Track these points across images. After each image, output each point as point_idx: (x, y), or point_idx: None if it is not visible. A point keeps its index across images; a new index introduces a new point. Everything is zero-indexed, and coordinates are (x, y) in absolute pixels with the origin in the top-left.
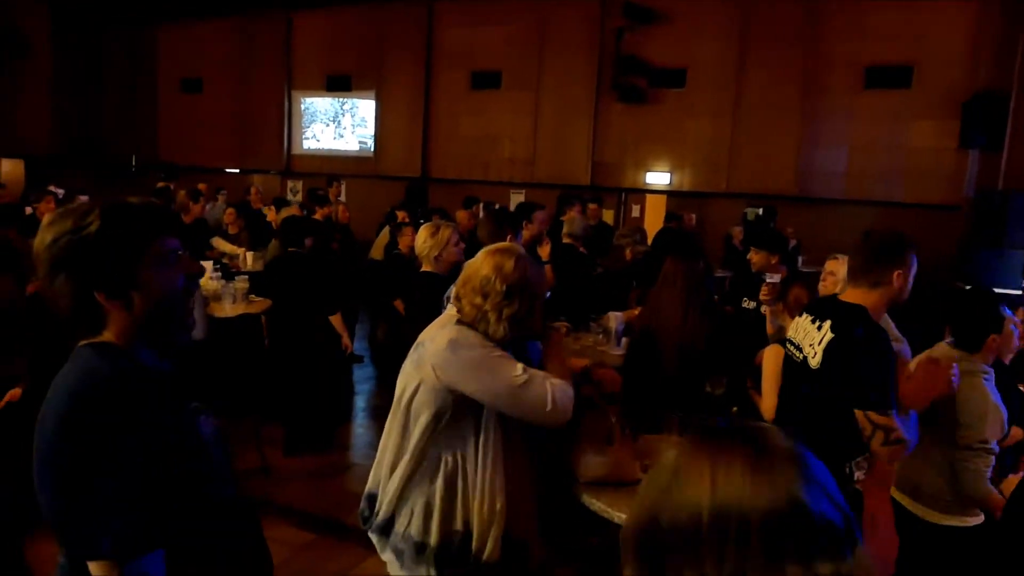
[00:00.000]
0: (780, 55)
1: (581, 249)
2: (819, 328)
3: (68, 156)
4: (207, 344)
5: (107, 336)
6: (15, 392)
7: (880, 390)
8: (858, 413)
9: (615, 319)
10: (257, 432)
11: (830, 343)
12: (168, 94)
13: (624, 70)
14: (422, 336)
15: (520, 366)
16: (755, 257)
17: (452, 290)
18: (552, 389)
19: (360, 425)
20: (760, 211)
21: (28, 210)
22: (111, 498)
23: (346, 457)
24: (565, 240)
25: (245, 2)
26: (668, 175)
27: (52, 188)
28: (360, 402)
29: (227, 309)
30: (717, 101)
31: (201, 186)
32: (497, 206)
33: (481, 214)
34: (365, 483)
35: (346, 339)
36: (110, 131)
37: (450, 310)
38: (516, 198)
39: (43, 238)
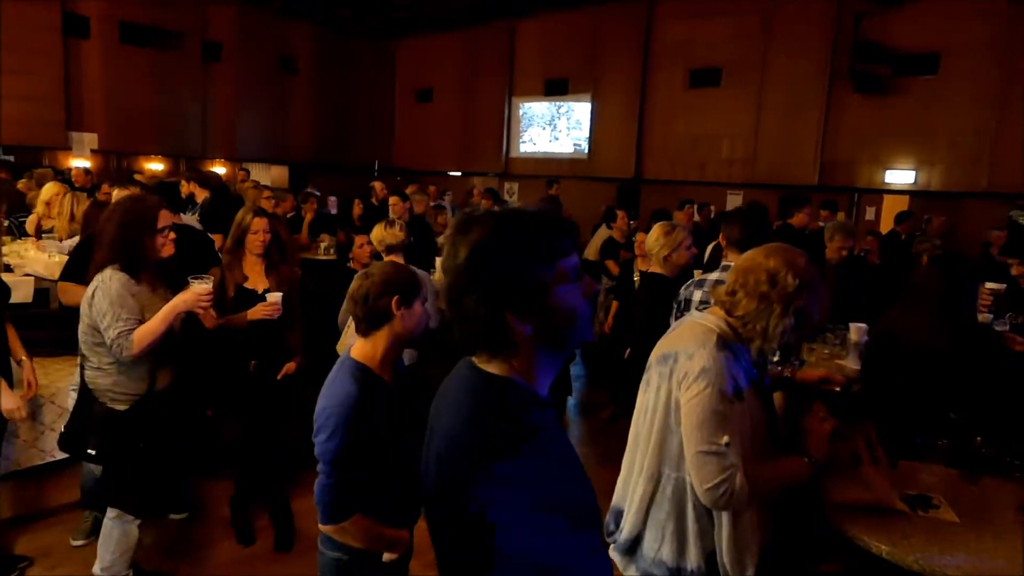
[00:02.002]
0: None
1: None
2: None
3: (322, 162)
4: (438, 333)
5: (510, 364)
6: (291, 366)
7: None
8: None
9: (858, 331)
10: None
11: None
12: (404, 103)
13: (863, 58)
14: (673, 345)
15: (725, 437)
16: (1020, 270)
17: (698, 293)
18: (726, 480)
19: (572, 421)
20: None
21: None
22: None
23: None
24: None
25: (473, 15)
26: (912, 173)
27: (311, 190)
28: (571, 399)
29: None
30: (978, 87)
31: (431, 189)
32: (712, 207)
33: (696, 216)
34: None
35: None
36: (356, 139)
37: (706, 319)
38: (733, 200)
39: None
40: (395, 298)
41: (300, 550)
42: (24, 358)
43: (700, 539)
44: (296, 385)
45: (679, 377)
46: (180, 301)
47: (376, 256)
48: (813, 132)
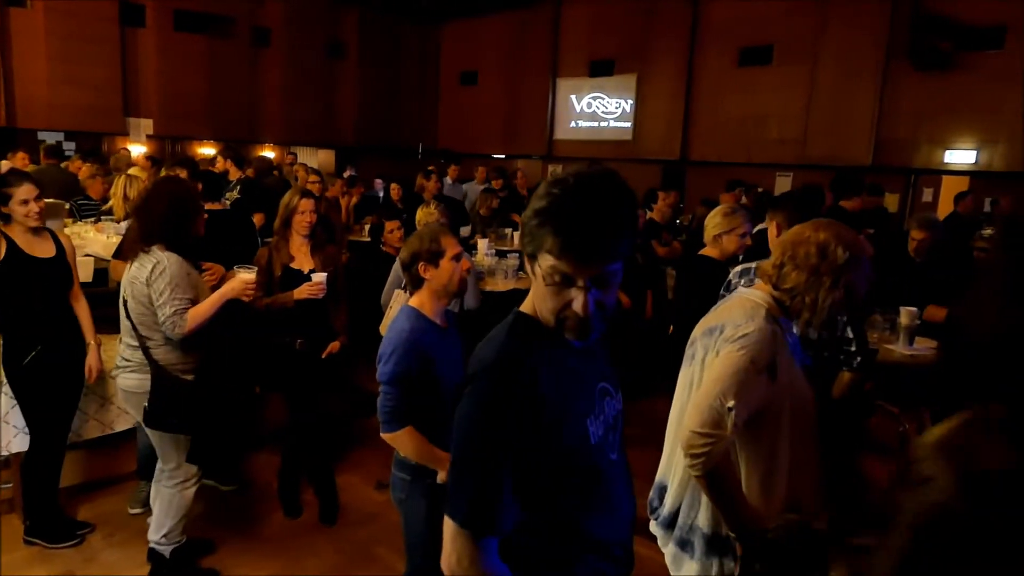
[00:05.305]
0: None
1: None
2: None
3: (368, 146)
4: (480, 314)
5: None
6: (335, 345)
7: None
8: None
9: (909, 315)
10: None
11: None
12: (448, 87)
13: (923, 32)
14: (720, 318)
15: (732, 401)
16: None
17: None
18: (712, 439)
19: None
20: None
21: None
22: (489, 467)
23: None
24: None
25: None
26: (974, 153)
27: (351, 172)
28: None
29: (499, 284)
30: None
31: (480, 170)
32: (761, 190)
33: (743, 199)
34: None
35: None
36: (401, 122)
37: (753, 294)
38: (783, 182)
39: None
40: (420, 264)
41: (344, 523)
42: (92, 343)
43: None
44: (340, 364)
45: (719, 347)
46: (228, 289)
47: None
48: (868, 111)
